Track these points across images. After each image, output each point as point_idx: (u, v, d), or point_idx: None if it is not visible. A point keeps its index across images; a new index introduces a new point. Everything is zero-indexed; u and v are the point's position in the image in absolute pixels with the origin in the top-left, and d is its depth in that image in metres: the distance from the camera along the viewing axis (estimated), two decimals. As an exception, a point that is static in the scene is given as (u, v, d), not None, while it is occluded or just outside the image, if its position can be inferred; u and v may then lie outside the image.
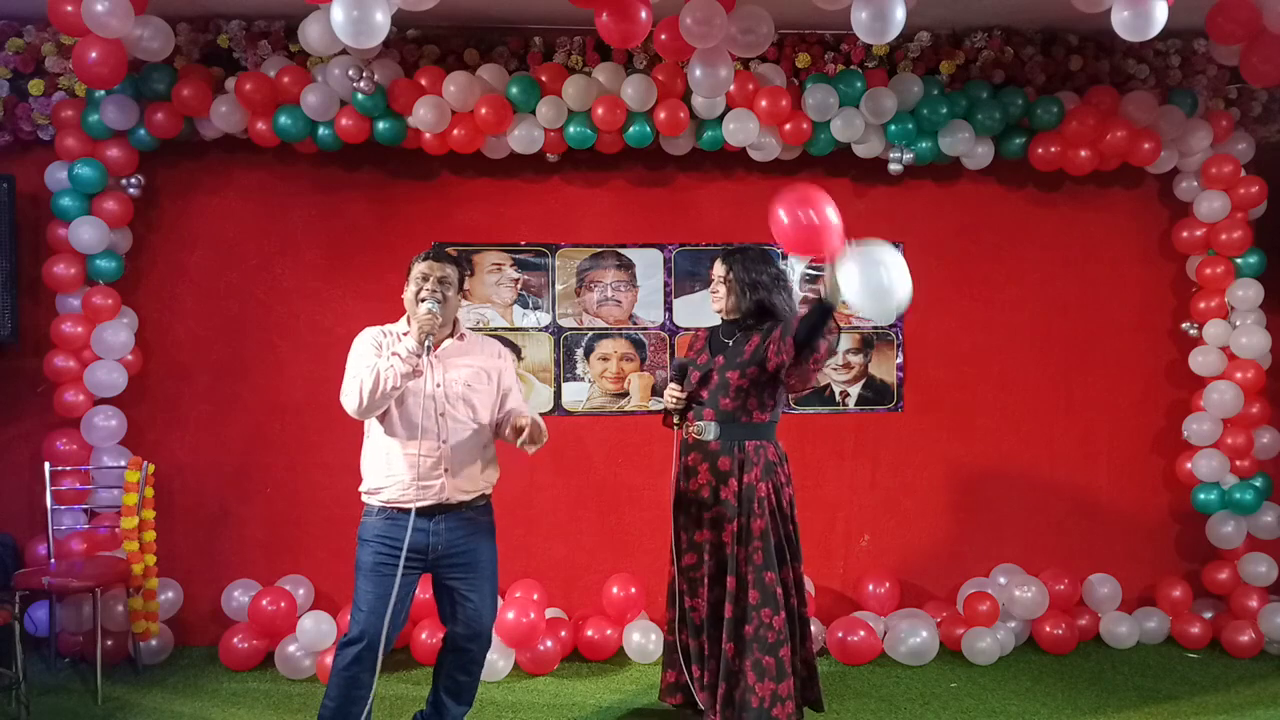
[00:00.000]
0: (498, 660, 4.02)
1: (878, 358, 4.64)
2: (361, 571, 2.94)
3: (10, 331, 4.09)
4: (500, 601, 4.16)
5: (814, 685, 3.28)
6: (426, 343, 2.85)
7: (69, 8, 3.47)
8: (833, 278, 2.88)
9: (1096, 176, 4.56)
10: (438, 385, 2.97)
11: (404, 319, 3.01)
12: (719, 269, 3.27)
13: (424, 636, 4.07)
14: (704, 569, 3.21)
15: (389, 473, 2.94)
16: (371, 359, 2.89)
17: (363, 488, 3.02)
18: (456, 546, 2.99)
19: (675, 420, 3.31)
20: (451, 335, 3.07)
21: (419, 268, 2.96)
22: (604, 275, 4.54)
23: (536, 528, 4.51)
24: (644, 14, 3.19)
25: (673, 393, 3.26)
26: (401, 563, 2.88)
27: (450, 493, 2.96)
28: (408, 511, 2.92)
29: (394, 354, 2.86)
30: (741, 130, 4.15)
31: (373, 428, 3.02)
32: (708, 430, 3.20)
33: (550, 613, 4.25)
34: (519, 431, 2.93)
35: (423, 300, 2.90)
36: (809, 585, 4.38)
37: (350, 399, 2.88)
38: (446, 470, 2.96)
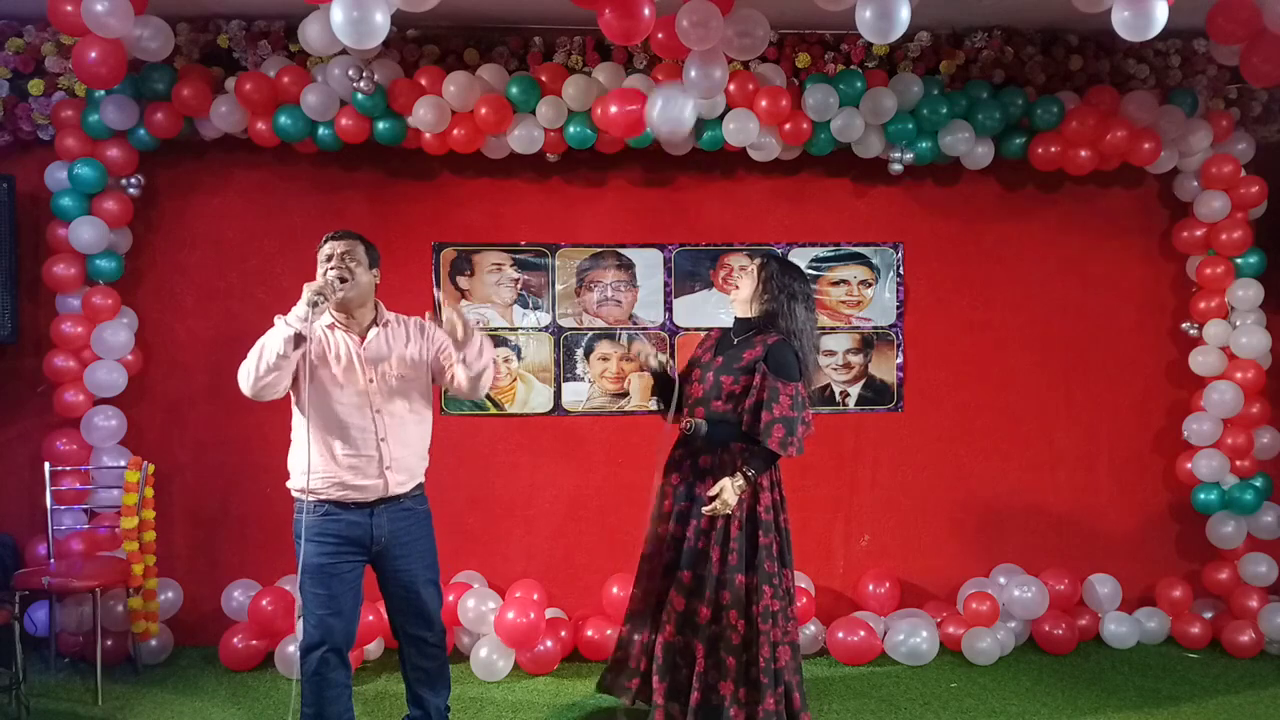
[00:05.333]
0: (498, 660, 4.03)
1: (878, 358, 4.63)
2: (306, 572, 2.89)
3: (10, 331, 4.10)
4: (503, 601, 4.17)
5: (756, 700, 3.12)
6: (317, 301, 2.73)
7: (69, 8, 3.47)
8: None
9: (1096, 176, 4.56)
10: (370, 381, 2.91)
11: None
12: (748, 260, 3.28)
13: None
14: (659, 560, 3.25)
15: (325, 473, 2.88)
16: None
17: (293, 485, 2.95)
18: (398, 538, 2.98)
19: (661, 408, 3.38)
20: (375, 324, 2.98)
21: (323, 251, 2.91)
22: (604, 275, 4.54)
23: (536, 528, 4.51)
24: (647, 11, 3.19)
25: (648, 354, 3.33)
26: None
27: (391, 488, 2.94)
28: (346, 506, 2.88)
29: (279, 317, 2.75)
30: (741, 130, 4.14)
31: (300, 423, 2.93)
32: (698, 428, 3.22)
33: (550, 613, 4.25)
34: (452, 328, 2.83)
35: (324, 272, 2.84)
36: (809, 586, 4.39)
37: (242, 378, 2.79)
38: (388, 468, 2.92)
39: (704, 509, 3.11)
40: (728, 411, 3.17)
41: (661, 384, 3.42)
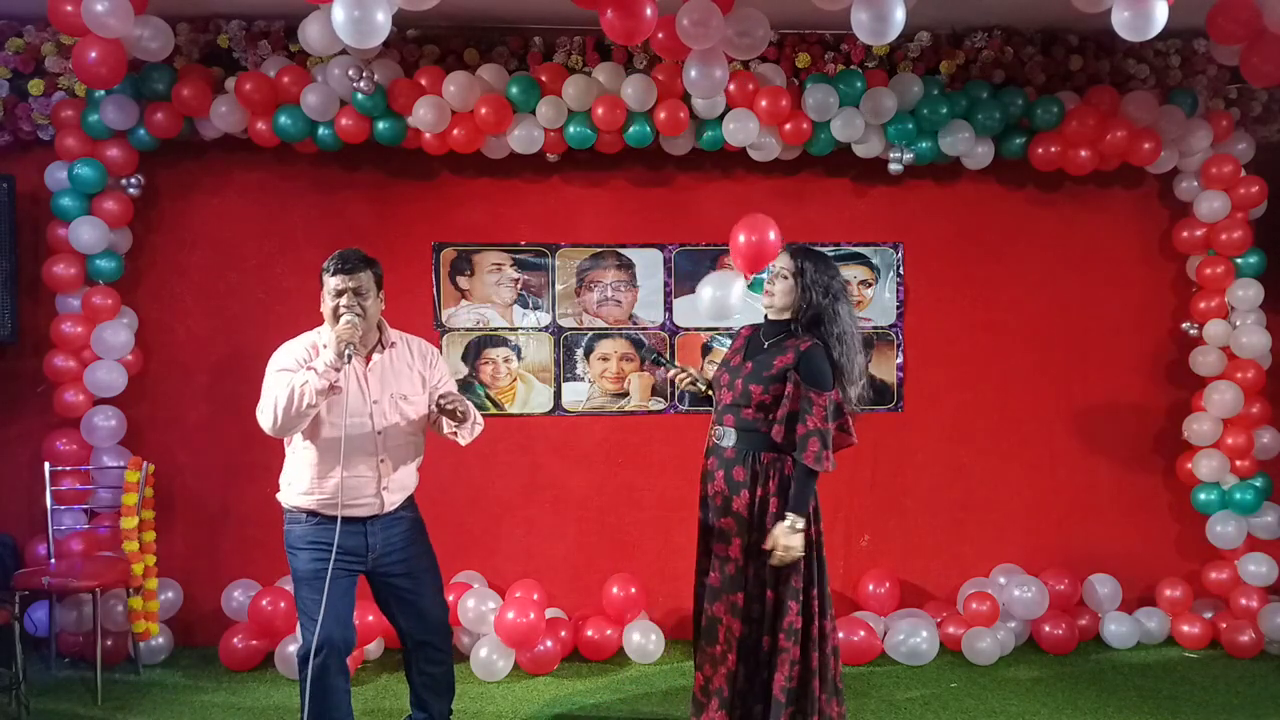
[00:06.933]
0: (498, 660, 4.03)
1: (878, 358, 4.63)
2: (303, 580, 2.89)
3: (10, 331, 4.10)
4: (503, 601, 4.17)
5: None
6: (347, 353, 2.73)
7: (69, 8, 3.47)
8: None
9: (1096, 176, 4.55)
10: (374, 403, 2.90)
11: (325, 326, 2.92)
12: (782, 261, 3.06)
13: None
14: (713, 579, 3.13)
15: (321, 493, 2.88)
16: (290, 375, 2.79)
17: (288, 500, 2.94)
18: (394, 544, 2.99)
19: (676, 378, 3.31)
20: (380, 345, 2.97)
21: (331, 282, 2.84)
22: (604, 275, 4.54)
23: (536, 528, 4.51)
24: (649, 11, 3.19)
25: (687, 375, 3.26)
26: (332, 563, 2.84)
27: (386, 507, 2.95)
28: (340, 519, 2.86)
29: (309, 368, 2.75)
30: (741, 130, 4.15)
31: (298, 441, 2.91)
32: (726, 437, 3.10)
33: (550, 613, 4.25)
34: (447, 413, 2.91)
35: (342, 315, 2.79)
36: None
37: (265, 416, 2.77)
38: (385, 488, 2.93)
39: (771, 562, 2.97)
40: (758, 421, 3.03)
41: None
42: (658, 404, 4.54)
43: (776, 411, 3.00)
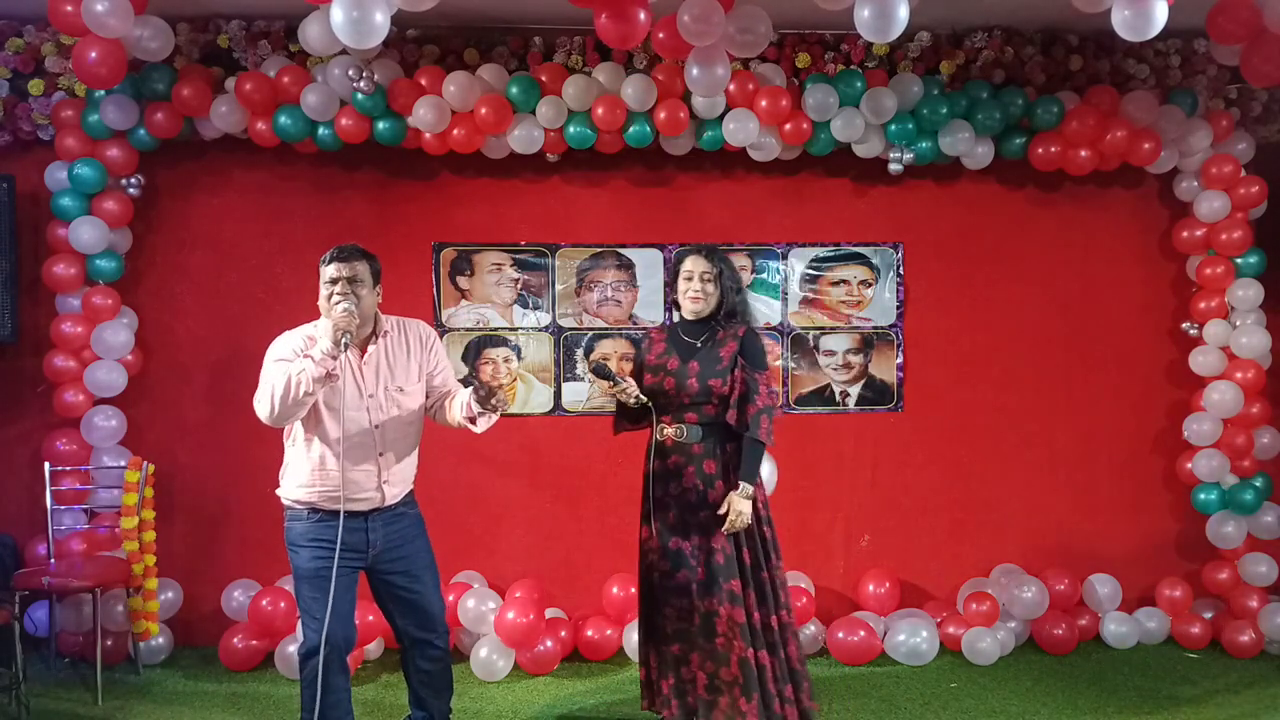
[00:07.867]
0: (498, 660, 4.03)
1: (878, 358, 4.63)
2: (304, 578, 2.90)
3: (10, 331, 4.10)
4: (503, 601, 4.17)
5: (798, 693, 3.19)
6: (344, 341, 2.73)
7: (69, 8, 3.47)
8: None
9: (1096, 176, 4.55)
10: (370, 396, 2.89)
11: (322, 319, 2.90)
12: (703, 265, 3.23)
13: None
14: (691, 574, 3.14)
15: (323, 486, 2.87)
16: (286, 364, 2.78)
17: (287, 495, 2.95)
18: (393, 540, 2.99)
19: (626, 422, 3.38)
20: (374, 336, 2.95)
21: (328, 270, 2.84)
22: (604, 275, 4.54)
23: (536, 528, 4.51)
24: (642, 15, 3.20)
25: (632, 387, 3.24)
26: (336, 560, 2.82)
27: (387, 500, 2.95)
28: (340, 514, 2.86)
29: (306, 356, 2.75)
30: (741, 130, 4.15)
31: (298, 436, 2.91)
32: (689, 434, 3.18)
33: (550, 613, 4.25)
34: (485, 391, 2.82)
35: (337, 304, 2.78)
36: (809, 586, 4.40)
37: (262, 406, 2.77)
38: (385, 482, 2.93)
39: (723, 529, 3.09)
40: (718, 414, 3.16)
41: (635, 412, 3.33)
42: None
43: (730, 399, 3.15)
